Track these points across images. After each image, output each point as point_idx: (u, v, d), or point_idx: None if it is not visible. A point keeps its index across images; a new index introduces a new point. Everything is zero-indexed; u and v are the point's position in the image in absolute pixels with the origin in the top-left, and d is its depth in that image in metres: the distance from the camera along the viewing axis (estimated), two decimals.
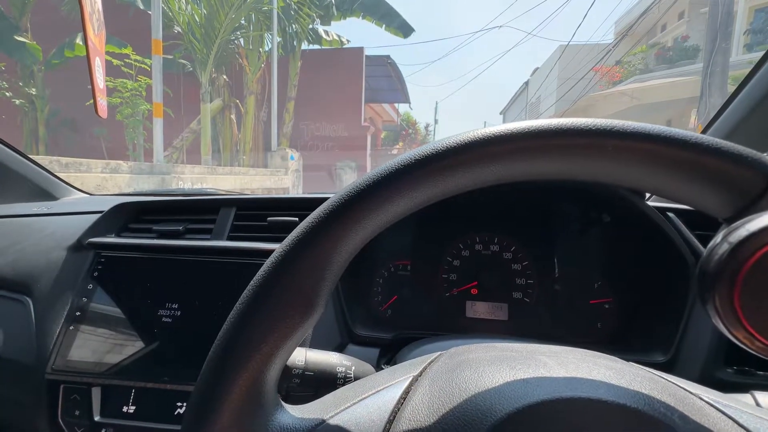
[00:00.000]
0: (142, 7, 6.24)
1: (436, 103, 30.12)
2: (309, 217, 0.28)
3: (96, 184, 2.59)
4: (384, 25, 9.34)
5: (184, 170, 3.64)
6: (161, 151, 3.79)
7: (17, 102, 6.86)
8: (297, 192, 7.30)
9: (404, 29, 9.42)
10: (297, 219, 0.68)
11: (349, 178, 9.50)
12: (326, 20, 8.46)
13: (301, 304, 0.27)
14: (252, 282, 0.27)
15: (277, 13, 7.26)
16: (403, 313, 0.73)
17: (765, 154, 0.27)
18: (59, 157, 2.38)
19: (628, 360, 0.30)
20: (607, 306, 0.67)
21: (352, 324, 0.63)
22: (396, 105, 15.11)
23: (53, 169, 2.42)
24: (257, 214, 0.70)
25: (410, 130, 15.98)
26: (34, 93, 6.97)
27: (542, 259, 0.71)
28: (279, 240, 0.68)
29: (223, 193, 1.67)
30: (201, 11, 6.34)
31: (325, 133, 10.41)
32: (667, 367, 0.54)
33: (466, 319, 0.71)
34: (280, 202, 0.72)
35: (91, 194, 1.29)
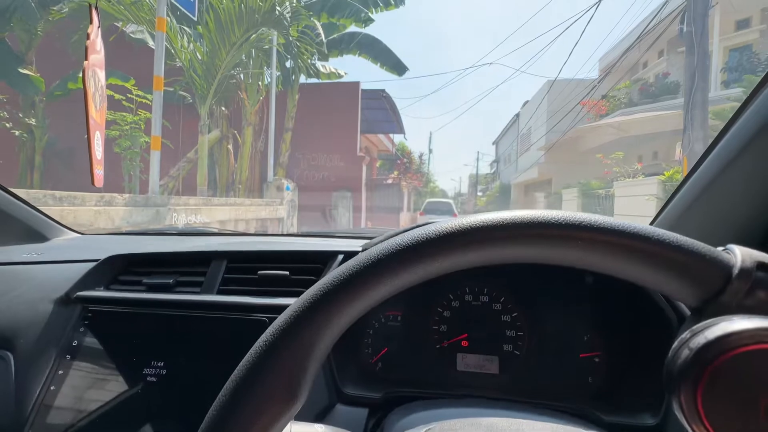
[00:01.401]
0: (151, 45, 6.49)
1: (430, 134, 30.94)
2: (290, 308, 0.29)
3: (89, 218, 2.58)
4: (379, 63, 9.80)
5: (179, 202, 3.65)
6: (157, 183, 3.81)
7: (16, 132, 6.94)
8: (292, 222, 7.31)
9: (398, 68, 9.89)
10: (287, 273, 0.68)
11: (342, 217, 9.60)
12: (324, 56, 8.85)
13: (283, 396, 0.27)
14: (233, 375, 0.28)
15: (277, 50, 7.58)
16: (393, 366, 0.72)
17: (722, 248, 0.29)
18: (53, 191, 2.38)
19: (619, 422, 0.30)
20: (597, 360, 0.67)
21: (340, 382, 0.62)
22: (391, 135, 15.50)
23: (47, 203, 2.43)
24: (248, 267, 0.70)
25: (405, 160, 16.31)
26: (33, 123, 7.07)
27: (531, 310, 0.71)
28: (269, 294, 0.68)
29: (216, 229, 1.67)
30: (203, 49, 6.60)
31: (322, 163, 10.59)
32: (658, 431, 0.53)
33: (457, 372, 0.70)
34: (271, 255, 0.72)
35: (82, 234, 1.29)
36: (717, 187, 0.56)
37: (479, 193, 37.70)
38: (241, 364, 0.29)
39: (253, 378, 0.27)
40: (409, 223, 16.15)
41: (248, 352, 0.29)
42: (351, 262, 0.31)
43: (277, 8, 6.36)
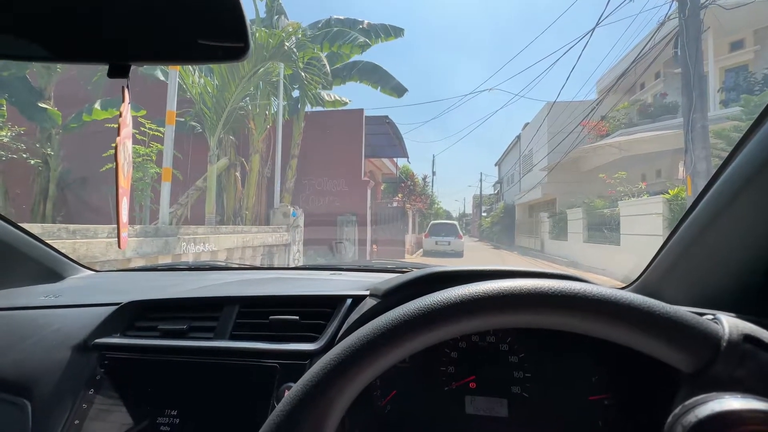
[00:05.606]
0: (162, 78, 6.81)
1: (433, 156, 31.41)
2: (300, 383, 0.31)
3: (102, 249, 2.63)
4: (379, 87, 10.13)
5: (188, 231, 3.72)
6: (167, 214, 3.90)
7: (32, 162, 7.17)
8: (298, 248, 7.34)
9: (398, 90, 10.21)
10: (297, 317, 0.70)
11: (349, 251, 9.67)
12: (328, 85, 9.19)
13: None
14: None
15: (284, 81, 7.89)
16: (402, 408, 0.72)
17: (711, 317, 0.31)
18: (67, 225, 2.45)
19: None
20: (606, 402, 0.66)
21: (350, 429, 0.62)
22: (395, 159, 15.74)
23: (61, 237, 2.49)
24: (259, 312, 0.72)
25: (409, 182, 16.46)
26: (50, 153, 7.31)
27: (538, 350, 0.71)
28: (280, 339, 0.70)
29: (225, 263, 1.69)
30: (213, 83, 6.90)
31: (327, 188, 10.73)
32: None
33: (466, 416, 0.70)
34: (282, 299, 0.75)
35: (96, 271, 1.32)
36: (709, 238, 0.57)
37: (483, 214, 37.66)
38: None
39: None
40: (414, 245, 16.08)
41: (265, 423, 0.31)
42: (366, 331, 0.33)
43: (285, 43, 6.68)
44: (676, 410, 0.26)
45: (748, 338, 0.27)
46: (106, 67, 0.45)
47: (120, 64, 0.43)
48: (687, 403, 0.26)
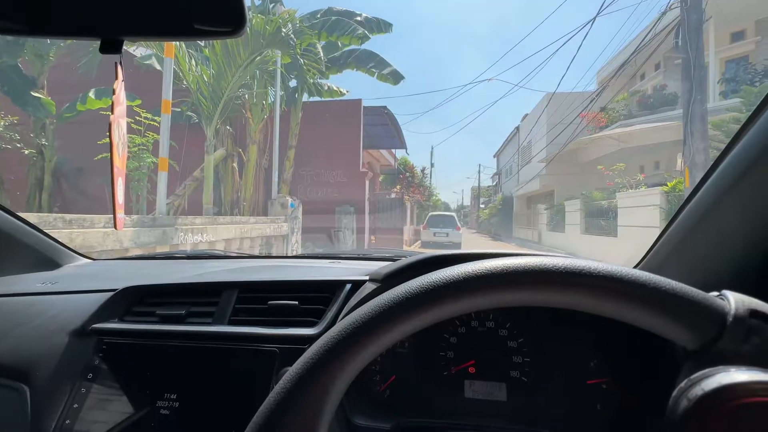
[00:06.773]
0: (158, 68, 6.70)
1: (432, 148, 31.35)
2: (306, 355, 0.30)
3: (98, 239, 2.62)
4: (376, 73, 10.01)
5: (185, 222, 3.70)
6: (164, 204, 3.88)
7: (26, 152, 7.09)
8: (296, 239, 7.34)
9: (395, 77, 10.09)
10: (296, 303, 0.70)
11: (347, 239, 9.67)
12: (325, 74, 9.08)
13: None
14: (253, 421, 0.29)
15: (281, 70, 7.78)
16: (401, 393, 0.72)
17: (717, 294, 0.30)
18: (63, 215, 2.43)
19: None
20: (604, 386, 0.67)
21: (350, 412, 0.63)
22: (393, 150, 15.65)
23: (57, 226, 2.48)
24: (258, 297, 0.72)
25: (407, 174, 16.40)
26: (44, 143, 7.23)
27: (537, 335, 0.72)
28: (279, 324, 0.70)
29: (223, 252, 1.68)
30: (209, 71, 6.80)
31: (325, 179, 10.69)
32: None
33: (465, 399, 0.70)
34: (281, 284, 0.74)
35: (93, 259, 1.31)
36: (709, 223, 0.57)
37: (482, 206, 37.72)
38: (261, 408, 0.30)
39: (272, 425, 0.29)
40: (413, 237, 16.11)
41: (267, 398, 0.30)
42: (366, 309, 0.32)
43: (282, 30, 6.57)
44: (682, 384, 0.26)
45: (755, 313, 0.27)
46: (95, 52, 0.43)
47: (112, 38, 0.41)
48: (693, 376, 0.25)
